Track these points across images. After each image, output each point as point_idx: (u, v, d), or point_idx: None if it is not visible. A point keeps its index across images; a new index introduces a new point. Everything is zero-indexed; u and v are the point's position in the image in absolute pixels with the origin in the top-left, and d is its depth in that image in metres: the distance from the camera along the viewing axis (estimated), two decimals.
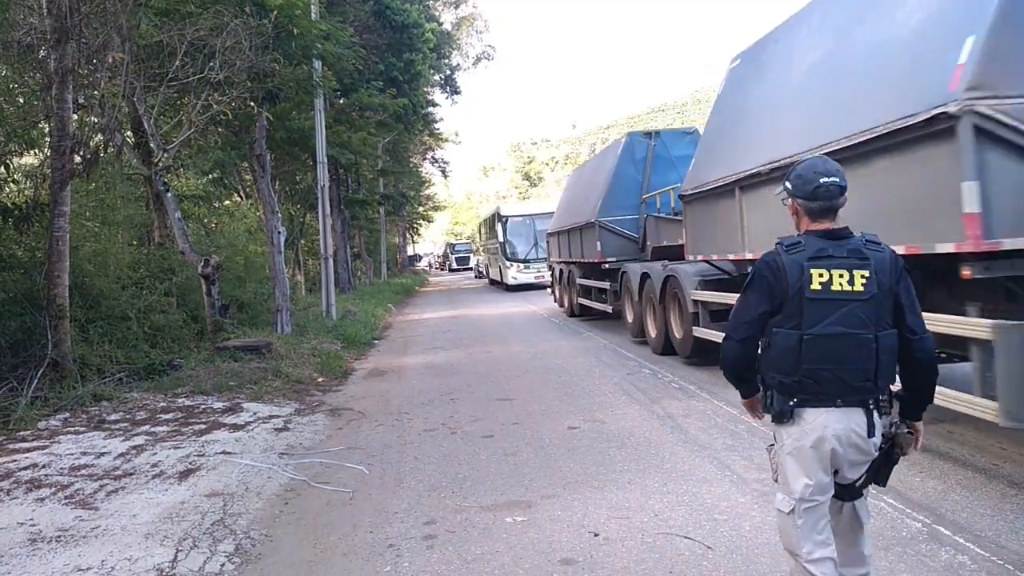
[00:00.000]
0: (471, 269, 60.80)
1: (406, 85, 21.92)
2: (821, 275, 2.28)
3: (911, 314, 2.36)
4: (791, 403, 2.35)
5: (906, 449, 2.43)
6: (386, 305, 20.70)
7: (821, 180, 2.35)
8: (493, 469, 5.04)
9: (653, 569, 3.36)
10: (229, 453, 5.65)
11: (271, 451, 5.78)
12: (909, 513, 3.79)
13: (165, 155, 10.15)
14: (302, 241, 20.51)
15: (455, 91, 32.49)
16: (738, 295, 2.56)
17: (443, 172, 47.52)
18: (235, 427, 6.48)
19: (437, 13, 30.74)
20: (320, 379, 9.11)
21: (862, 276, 2.27)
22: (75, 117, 8.56)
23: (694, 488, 4.37)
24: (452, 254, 65.14)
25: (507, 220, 26.09)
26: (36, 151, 10.37)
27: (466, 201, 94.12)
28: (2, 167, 9.48)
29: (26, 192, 9.96)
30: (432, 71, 27.28)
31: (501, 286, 27.51)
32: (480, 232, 38.31)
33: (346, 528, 4.13)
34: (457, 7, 35.49)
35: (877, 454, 2.38)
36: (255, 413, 7.05)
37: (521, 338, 12.45)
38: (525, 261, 25.26)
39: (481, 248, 38.15)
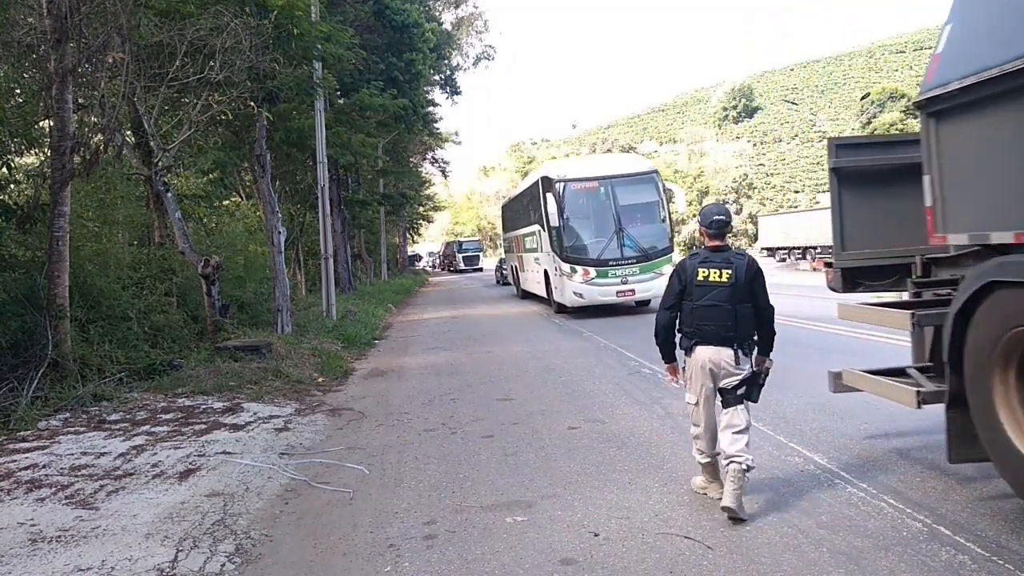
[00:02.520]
0: (481, 270, 54.07)
1: (406, 85, 21.94)
2: (704, 272, 4.00)
3: (760, 296, 4.00)
4: (691, 343, 4.07)
5: (764, 372, 4.07)
6: (386, 305, 20.70)
7: (714, 218, 4.07)
8: (493, 469, 5.04)
9: (653, 569, 3.36)
10: (229, 453, 5.65)
11: (271, 451, 5.78)
12: (909, 513, 3.79)
13: (165, 155, 10.15)
14: (302, 240, 20.49)
15: (455, 91, 32.55)
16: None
17: (443, 172, 47.55)
18: (235, 427, 6.48)
19: (437, 13, 30.77)
20: (320, 379, 9.11)
21: (727, 273, 3.95)
22: (75, 117, 8.56)
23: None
24: (459, 252, 57.78)
25: (563, 189, 14.70)
26: (36, 151, 10.37)
27: (466, 201, 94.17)
28: (4, 168, 9.46)
29: (27, 192, 9.95)
30: (432, 71, 27.31)
31: (545, 303, 17.74)
32: (504, 219, 25.82)
33: (346, 528, 4.14)
34: (457, 7, 35.52)
35: (747, 375, 3.98)
36: (255, 413, 7.05)
37: (521, 338, 12.45)
38: (600, 264, 14.47)
39: (509, 243, 24.32)
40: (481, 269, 54.24)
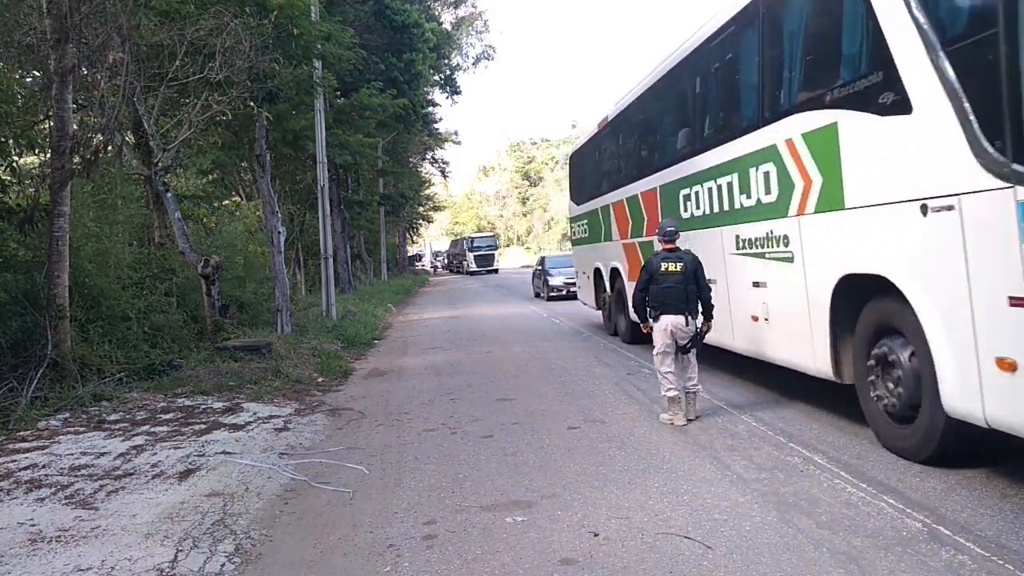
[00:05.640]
0: (496, 271, 45.69)
1: (406, 85, 21.95)
2: (665, 266, 5.87)
3: (700, 281, 5.92)
4: (657, 312, 5.95)
5: (704, 333, 6.01)
6: (386, 305, 20.70)
7: (667, 229, 6.03)
8: (493, 469, 5.04)
9: (653, 569, 3.36)
10: (229, 453, 5.65)
11: (271, 451, 5.78)
12: (909, 513, 3.79)
13: (165, 155, 10.15)
14: (302, 240, 20.44)
15: (455, 91, 32.58)
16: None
17: (443, 172, 47.56)
18: (235, 427, 6.48)
19: (437, 13, 30.78)
20: (320, 379, 9.10)
21: (680, 265, 5.84)
22: (75, 117, 8.56)
23: (694, 488, 4.37)
24: (469, 251, 48.61)
25: None
26: (37, 151, 10.36)
27: (466, 201, 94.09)
28: (8, 170, 9.45)
29: (28, 192, 9.95)
30: (432, 71, 27.32)
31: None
32: (584, 171, 13.54)
33: (346, 528, 4.13)
34: (457, 7, 35.56)
35: (694, 333, 5.90)
36: (255, 413, 7.05)
37: (521, 338, 12.45)
38: None
39: (597, 223, 11.94)
40: (496, 271, 46.81)
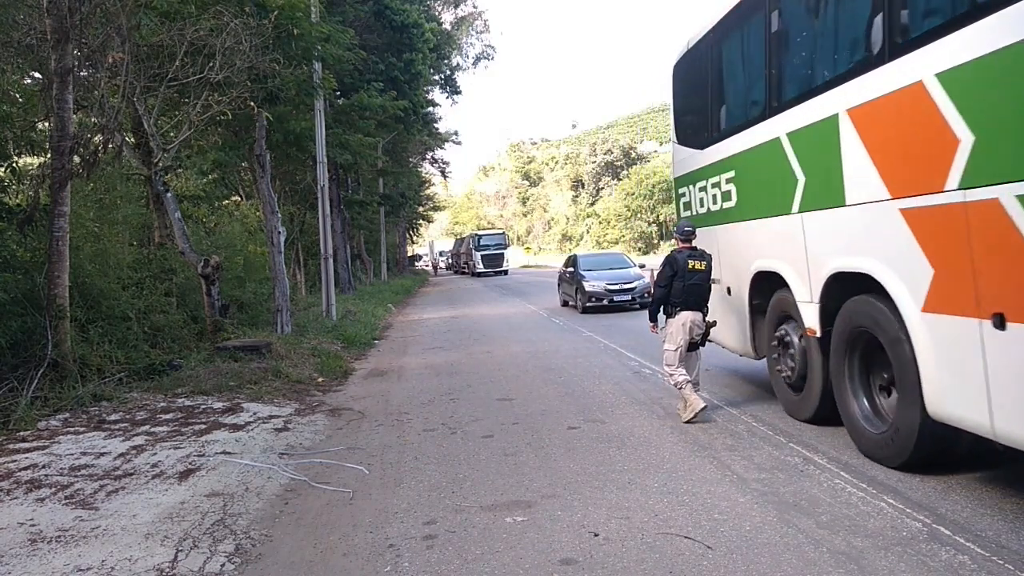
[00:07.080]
0: (506, 272, 42.00)
1: (406, 85, 21.93)
2: (691, 263, 6.06)
3: (711, 279, 6.23)
4: (676, 309, 6.12)
5: (711, 327, 6.28)
6: (386, 305, 20.71)
7: (685, 229, 6.23)
8: (493, 469, 5.04)
9: (653, 569, 3.36)
10: (229, 453, 5.65)
11: (271, 451, 5.78)
12: (909, 513, 3.79)
13: (165, 155, 10.15)
14: (302, 240, 20.39)
15: (455, 91, 32.56)
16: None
17: (443, 172, 47.51)
18: (235, 427, 6.48)
19: (437, 13, 30.78)
20: (320, 379, 9.10)
21: (703, 263, 6.12)
22: (75, 118, 8.55)
23: (694, 488, 4.37)
24: (476, 250, 43.62)
25: None
26: (38, 152, 10.36)
27: (466, 201, 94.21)
28: (8, 170, 9.44)
29: (27, 192, 9.94)
30: (432, 71, 27.28)
31: None
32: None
33: (346, 528, 4.13)
34: (457, 7, 35.53)
35: (704, 329, 6.18)
36: (255, 413, 7.05)
37: (521, 338, 12.45)
38: None
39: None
40: (506, 272, 42.72)
